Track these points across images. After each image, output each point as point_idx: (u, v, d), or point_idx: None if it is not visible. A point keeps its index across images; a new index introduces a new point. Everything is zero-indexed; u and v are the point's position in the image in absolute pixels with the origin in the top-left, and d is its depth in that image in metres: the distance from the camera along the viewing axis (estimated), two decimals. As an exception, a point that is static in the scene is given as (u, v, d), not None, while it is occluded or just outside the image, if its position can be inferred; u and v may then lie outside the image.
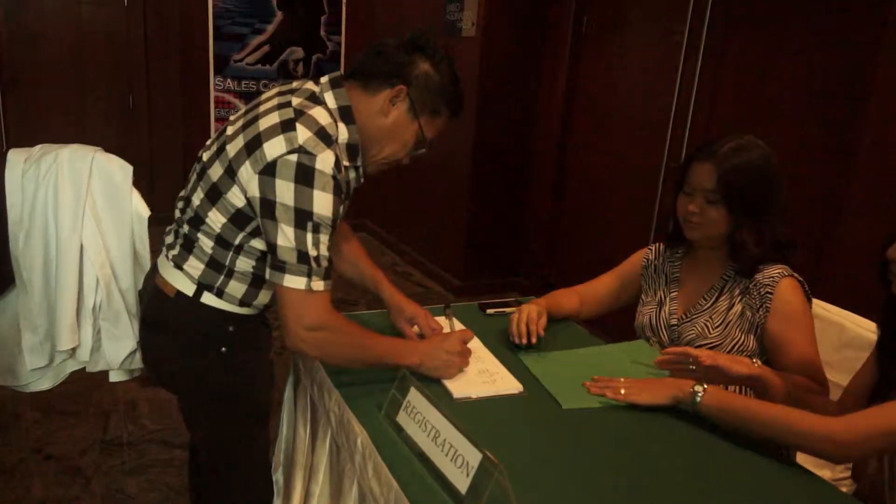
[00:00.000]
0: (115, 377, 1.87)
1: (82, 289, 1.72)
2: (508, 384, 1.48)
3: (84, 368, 1.89)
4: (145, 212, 1.79)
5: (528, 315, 1.65)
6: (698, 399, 1.33)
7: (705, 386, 1.34)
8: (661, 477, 1.21)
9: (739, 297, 1.59)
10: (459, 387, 1.45)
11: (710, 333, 1.60)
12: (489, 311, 1.87)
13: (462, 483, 1.07)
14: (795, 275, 1.57)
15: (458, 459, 1.09)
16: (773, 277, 1.55)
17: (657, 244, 1.82)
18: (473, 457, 1.06)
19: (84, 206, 1.69)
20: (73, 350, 1.78)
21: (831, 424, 1.19)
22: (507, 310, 1.86)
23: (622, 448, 1.30)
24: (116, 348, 1.79)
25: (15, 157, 1.69)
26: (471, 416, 1.32)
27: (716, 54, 3.00)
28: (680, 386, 1.37)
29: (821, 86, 2.56)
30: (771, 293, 1.54)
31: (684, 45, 3.15)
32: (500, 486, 1.02)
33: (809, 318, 1.56)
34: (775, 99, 2.72)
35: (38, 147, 1.72)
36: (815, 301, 1.77)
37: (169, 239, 1.50)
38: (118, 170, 1.75)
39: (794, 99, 2.66)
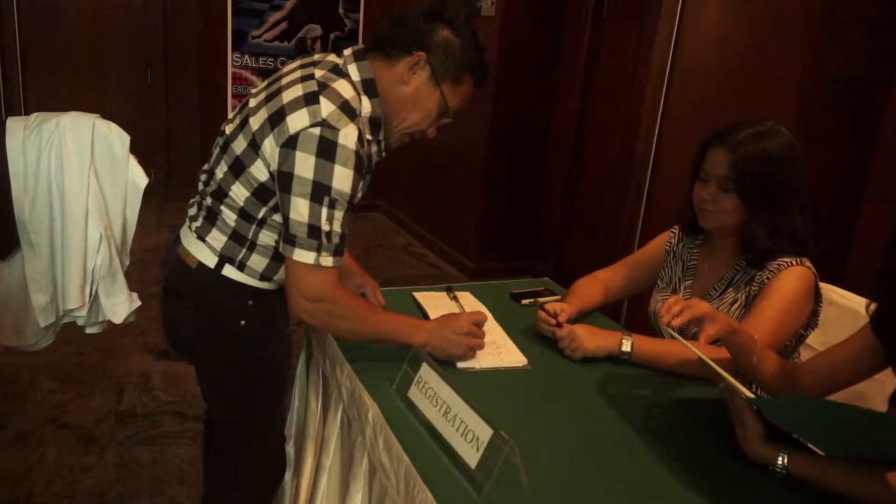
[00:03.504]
0: (91, 329, 1.98)
1: (87, 250, 1.77)
2: (514, 357, 1.49)
3: (97, 339, 1.94)
4: (142, 180, 1.82)
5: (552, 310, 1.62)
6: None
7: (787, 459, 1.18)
8: (669, 450, 1.22)
9: (745, 289, 1.56)
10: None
11: None
12: (524, 301, 1.84)
13: (472, 458, 1.07)
14: (809, 266, 1.51)
15: (469, 435, 1.09)
16: (780, 265, 1.50)
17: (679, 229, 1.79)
18: (484, 432, 1.07)
19: (89, 171, 1.72)
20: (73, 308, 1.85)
21: None
22: (541, 299, 1.83)
23: (629, 422, 1.30)
24: (114, 304, 1.87)
25: (14, 125, 1.71)
26: (476, 388, 1.33)
27: (731, 40, 2.95)
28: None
29: (833, 69, 2.50)
30: (771, 278, 1.50)
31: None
32: (509, 462, 1.03)
33: (790, 303, 1.47)
34: (785, 83, 2.67)
35: (34, 115, 1.76)
36: (831, 288, 1.75)
37: (192, 210, 1.51)
38: (116, 137, 1.78)
39: (803, 83, 2.60)
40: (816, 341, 1.73)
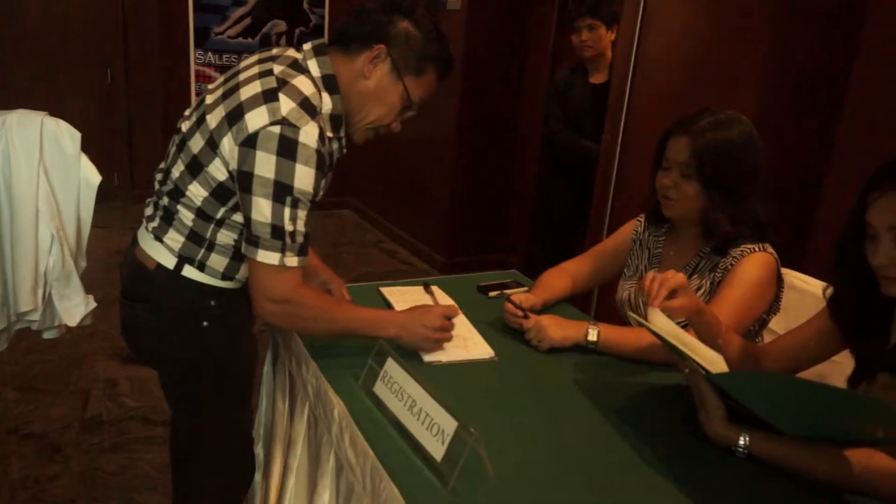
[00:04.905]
0: (48, 334, 1.93)
1: (38, 251, 1.73)
2: (481, 349, 1.49)
3: (61, 347, 1.90)
4: (95, 178, 1.79)
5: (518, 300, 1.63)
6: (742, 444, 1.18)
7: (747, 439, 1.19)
8: (635, 437, 1.23)
9: (709, 275, 1.58)
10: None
11: None
12: (491, 294, 1.84)
13: (437, 451, 1.07)
14: (771, 251, 1.54)
15: (434, 428, 1.09)
16: (743, 252, 1.53)
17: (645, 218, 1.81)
18: (449, 425, 1.06)
19: (38, 169, 1.68)
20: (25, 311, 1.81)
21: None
22: (508, 291, 1.82)
23: (596, 410, 1.31)
24: (69, 307, 1.84)
25: None
26: (443, 382, 1.32)
27: (693, 33, 2.98)
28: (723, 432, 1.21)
29: (793, 62, 2.53)
30: (735, 264, 1.53)
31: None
32: (475, 454, 1.02)
33: (753, 287, 1.50)
34: (747, 75, 2.70)
35: None
36: (792, 273, 1.78)
37: (148, 211, 1.48)
38: (66, 135, 1.75)
39: (764, 75, 2.64)
40: (779, 326, 1.75)
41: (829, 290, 1.35)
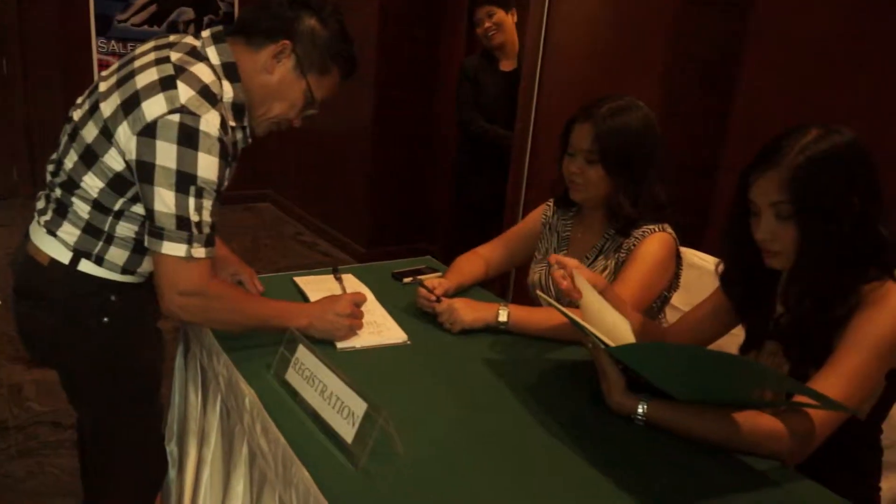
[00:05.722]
0: None
1: None
2: (394, 334, 1.51)
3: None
4: None
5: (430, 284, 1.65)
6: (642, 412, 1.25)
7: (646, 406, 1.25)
8: (542, 411, 1.27)
9: (614, 256, 1.65)
10: None
11: None
12: (405, 280, 1.85)
13: (348, 433, 1.08)
14: (670, 231, 1.62)
15: (345, 411, 1.10)
16: (644, 232, 1.60)
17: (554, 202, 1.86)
18: (359, 407, 1.08)
19: None
20: None
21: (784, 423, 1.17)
22: (422, 277, 1.84)
23: (505, 387, 1.35)
24: None
25: None
26: (357, 367, 1.34)
27: (599, 22, 3.07)
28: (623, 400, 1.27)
29: (691, 49, 2.65)
30: (637, 244, 1.60)
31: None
32: (385, 434, 1.04)
33: (653, 266, 1.58)
34: (649, 62, 2.81)
35: None
36: (691, 251, 1.87)
37: (40, 204, 1.41)
38: None
39: (665, 62, 2.75)
40: (681, 302, 1.85)
41: (721, 267, 1.43)
